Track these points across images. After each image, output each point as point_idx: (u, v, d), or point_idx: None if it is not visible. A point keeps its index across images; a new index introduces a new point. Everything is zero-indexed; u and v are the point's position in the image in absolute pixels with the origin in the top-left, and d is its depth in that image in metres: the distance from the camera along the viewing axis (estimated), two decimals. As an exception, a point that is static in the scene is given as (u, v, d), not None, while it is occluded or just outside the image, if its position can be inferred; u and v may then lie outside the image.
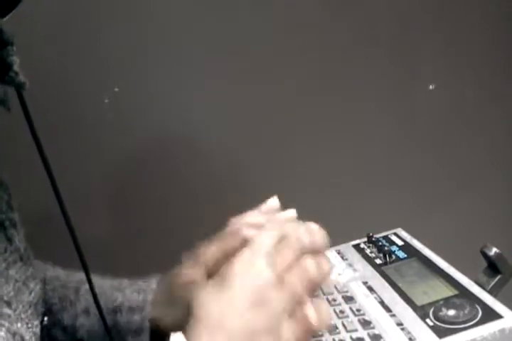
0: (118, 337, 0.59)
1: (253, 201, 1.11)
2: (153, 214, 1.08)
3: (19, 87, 0.45)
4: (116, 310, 0.60)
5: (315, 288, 0.44)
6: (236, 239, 0.56)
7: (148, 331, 0.59)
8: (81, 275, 0.58)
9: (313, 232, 0.46)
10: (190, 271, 0.58)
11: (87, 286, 0.60)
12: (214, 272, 0.55)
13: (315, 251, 0.45)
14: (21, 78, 0.44)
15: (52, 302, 0.63)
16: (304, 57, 1.09)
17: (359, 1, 1.11)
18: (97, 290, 0.59)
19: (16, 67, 0.43)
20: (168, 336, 0.60)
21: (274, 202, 0.60)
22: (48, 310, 0.61)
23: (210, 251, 0.58)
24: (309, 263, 0.43)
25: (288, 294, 0.42)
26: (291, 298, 0.42)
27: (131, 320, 0.59)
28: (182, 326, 0.56)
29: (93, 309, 0.60)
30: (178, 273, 0.59)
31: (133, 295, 0.61)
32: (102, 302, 0.59)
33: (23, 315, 0.46)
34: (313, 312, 0.42)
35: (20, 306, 0.46)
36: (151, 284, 0.62)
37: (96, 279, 0.61)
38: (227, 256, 0.54)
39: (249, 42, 1.06)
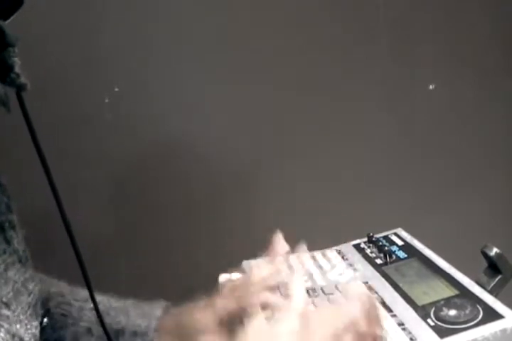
0: None
1: (253, 201, 1.11)
2: (153, 214, 1.08)
3: (20, 89, 0.45)
4: (119, 333, 0.60)
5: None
6: (255, 300, 0.56)
7: None
8: (85, 293, 0.58)
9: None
10: (202, 316, 0.58)
11: (90, 305, 0.60)
12: (226, 320, 0.56)
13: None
14: (22, 80, 0.44)
15: (55, 319, 0.62)
16: (304, 57, 1.09)
17: (359, 1, 1.11)
18: (101, 311, 0.59)
19: (17, 69, 0.43)
20: None
21: (279, 242, 0.60)
22: (51, 328, 0.61)
23: (225, 302, 0.58)
24: None
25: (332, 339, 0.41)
26: None
27: None
28: None
29: (95, 329, 0.60)
30: (190, 315, 0.59)
31: (137, 319, 0.61)
32: (106, 325, 0.59)
33: (21, 317, 0.46)
34: None
35: (19, 308, 0.46)
36: (156, 310, 0.62)
37: (100, 298, 0.60)
38: (242, 310, 0.54)
39: (249, 42, 1.06)
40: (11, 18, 0.43)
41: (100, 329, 0.58)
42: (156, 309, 0.62)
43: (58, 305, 0.63)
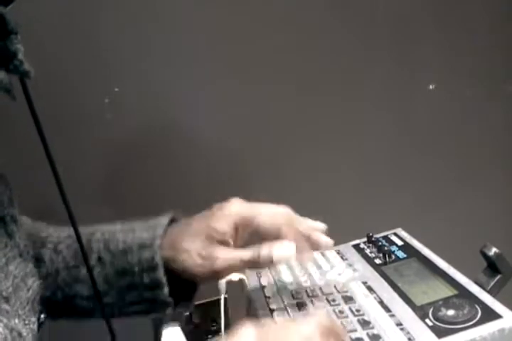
0: (133, 281, 0.58)
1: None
2: (153, 214, 1.08)
3: (24, 76, 0.45)
4: (126, 251, 0.59)
5: None
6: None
7: (161, 266, 0.57)
8: (89, 228, 0.59)
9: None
10: (221, 225, 0.58)
11: (97, 236, 0.60)
12: (240, 237, 0.58)
13: None
14: (26, 66, 0.44)
15: (68, 261, 0.61)
16: (304, 57, 1.09)
17: (359, 1, 1.11)
18: (107, 235, 0.60)
19: (20, 56, 0.43)
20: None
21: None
22: (66, 268, 0.60)
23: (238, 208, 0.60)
24: None
25: None
26: None
27: (142, 258, 0.58)
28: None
29: (106, 256, 0.59)
30: (209, 225, 0.59)
31: (142, 232, 0.60)
32: (113, 247, 0.59)
33: (20, 312, 0.46)
34: None
35: (18, 302, 0.46)
36: (162, 220, 0.62)
37: (107, 226, 0.62)
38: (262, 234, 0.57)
39: (249, 42, 1.06)
40: (12, 4, 0.43)
41: (108, 254, 0.58)
42: (162, 219, 0.62)
43: (69, 246, 0.62)
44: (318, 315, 0.46)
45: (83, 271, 0.59)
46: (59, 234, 0.64)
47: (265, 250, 0.54)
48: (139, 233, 0.60)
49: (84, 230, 0.59)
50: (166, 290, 0.58)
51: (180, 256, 0.57)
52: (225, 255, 0.56)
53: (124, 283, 0.58)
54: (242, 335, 0.42)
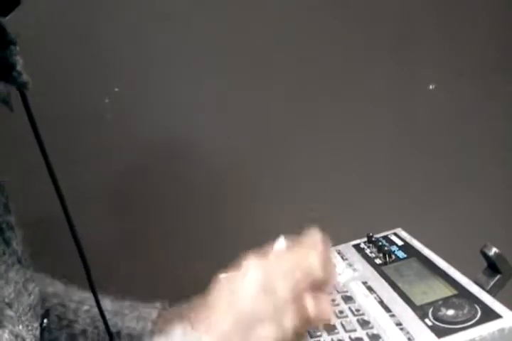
0: None
1: (254, 201, 1.11)
2: (153, 215, 1.08)
3: (22, 87, 0.45)
4: (114, 336, 0.60)
5: (319, 286, 0.44)
6: None
7: None
8: (80, 294, 0.58)
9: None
10: None
11: (85, 307, 0.60)
12: None
13: None
14: (24, 78, 0.44)
15: (50, 320, 0.62)
16: (304, 57, 1.09)
17: (359, 1, 1.11)
18: (97, 314, 0.59)
19: (19, 67, 0.43)
20: None
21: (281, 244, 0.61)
22: (47, 328, 0.60)
23: None
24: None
25: (292, 285, 0.43)
26: (295, 289, 0.43)
27: None
28: None
29: (90, 331, 0.60)
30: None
31: (132, 322, 0.61)
32: (100, 325, 0.60)
33: (23, 317, 0.46)
34: (312, 304, 0.42)
35: (21, 308, 0.46)
36: (152, 313, 0.62)
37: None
38: None
39: (249, 42, 1.06)
40: (10, 14, 0.43)
41: (95, 331, 0.58)
42: (152, 311, 0.62)
43: (54, 306, 0.63)
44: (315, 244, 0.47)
45: (64, 338, 0.61)
46: (45, 291, 0.64)
47: None
48: (129, 320, 0.61)
49: (72, 295, 0.62)
50: None
51: None
52: None
53: None
54: (248, 267, 0.43)
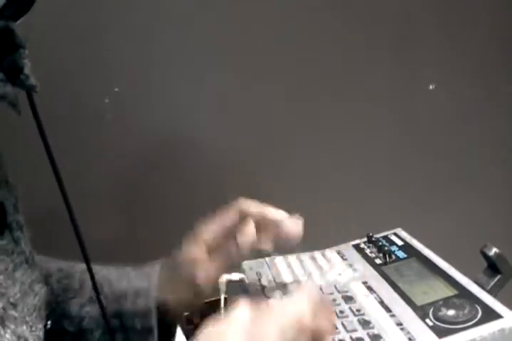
0: (123, 323, 0.59)
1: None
2: (154, 215, 1.08)
3: (30, 90, 0.45)
4: (121, 296, 0.60)
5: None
6: (235, 216, 0.61)
7: (155, 313, 0.59)
8: (84, 266, 0.58)
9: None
10: (191, 248, 0.61)
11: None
12: (214, 249, 0.60)
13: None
14: (32, 81, 0.44)
15: (57, 294, 0.62)
16: (305, 57, 1.09)
17: (359, 1, 1.11)
18: (102, 280, 0.61)
19: (27, 70, 0.44)
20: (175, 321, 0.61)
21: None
22: (54, 302, 0.61)
23: (210, 228, 0.62)
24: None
25: (280, 332, 0.41)
26: (283, 336, 0.41)
27: (136, 304, 0.59)
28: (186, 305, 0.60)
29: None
30: (180, 252, 0.62)
31: (138, 280, 0.62)
32: (108, 291, 0.60)
33: (27, 318, 0.45)
34: None
35: (26, 309, 0.46)
36: (156, 268, 0.63)
37: (100, 269, 0.62)
38: (227, 233, 0.60)
39: (249, 41, 1.06)
40: (22, 19, 0.43)
41: (102, 297, 0.58)
42: (156, 267, 0.63)
43: (59, 280, 0.64)
44: (308, 291, 0.46)
45: (72, 306, 0.61)
46: (49, 266, 0.64)
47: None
48: (134, 280, 0.62)
49: (77, 267, 0.62)
50: (155, 336, 0.59)
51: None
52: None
53: (113, 326, 0.59)
54: (237, 316, 0.42)
